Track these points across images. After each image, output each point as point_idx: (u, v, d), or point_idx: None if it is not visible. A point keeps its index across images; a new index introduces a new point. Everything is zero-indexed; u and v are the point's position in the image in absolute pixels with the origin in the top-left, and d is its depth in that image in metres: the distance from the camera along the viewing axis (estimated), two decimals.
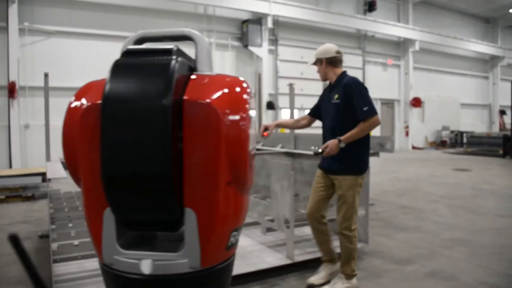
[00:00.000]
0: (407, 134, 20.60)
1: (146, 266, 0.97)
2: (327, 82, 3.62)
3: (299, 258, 3.91)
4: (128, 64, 1.00)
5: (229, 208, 1.01)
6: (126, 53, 1.04)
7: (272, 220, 4.26)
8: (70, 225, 3.90)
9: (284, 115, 16.44)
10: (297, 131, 7.12)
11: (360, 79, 3.65)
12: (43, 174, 7.93)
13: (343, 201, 3.32)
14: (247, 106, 1.02)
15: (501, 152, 16.43)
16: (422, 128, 21.83)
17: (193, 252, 0.96)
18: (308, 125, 3.83)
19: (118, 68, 0.99)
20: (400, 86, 20.76)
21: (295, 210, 4.39)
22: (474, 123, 24.40)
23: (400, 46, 20.73)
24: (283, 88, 16.22)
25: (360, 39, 19.10)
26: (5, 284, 3.64)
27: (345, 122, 3.23)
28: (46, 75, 5.07)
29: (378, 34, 19.14)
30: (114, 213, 0.99)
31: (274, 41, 16.77)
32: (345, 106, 3.25)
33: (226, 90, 1.01)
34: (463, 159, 15.78)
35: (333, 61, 3.46)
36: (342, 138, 3.15)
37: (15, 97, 11.28)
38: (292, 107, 7.16)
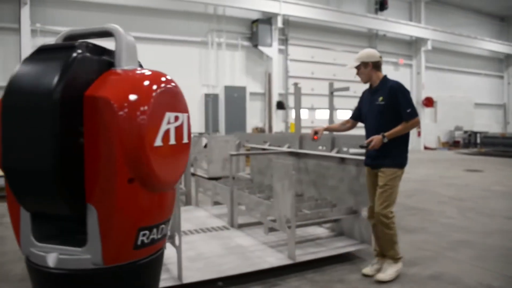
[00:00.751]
0: (419, 134, 20.38)
1: (51, 260, 0.95)
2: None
3: (301, 258, 3.88)
4: (33, 60, 1.00)
5: (132, 206, 0.96)
6: (38, 50, 1.04)
7: (274, 220, 4.24)
8: None
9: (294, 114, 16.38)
10: (303, 131, 7.09)
11: None
12: None
13: (383, 190, 3.59)
14: (151, 99, 0.98)
15: None
16: (435, 128, 21.61)
17: (95, 248, 0.92)
18: (352, 127, 4.15)
19: (23, 64, 0.99)
20: (412, 85, 20.56)
21: (298, 210, 4.38)
22: (488, 123, 24.04)
23: (412, 45, 20.53)
24: (293, 88, 16.09)
25: (371, 38, 18.96)
26: (9, 281, 3.69)
27: (388, 122, 3.55)
28: None
29: (389, 33, 18.99)
30: (21, 205, 0.98)
31: (284, 41, 16.73)
32: (389, 107, 3.57)
33: (131, 85, 0.98)
34: (476, 159, 15.55)
35: (378, 65, 3.75)
36: (386, 134, 3.50)
37: None
38: (298, 107, 7.12)
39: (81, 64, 0.96)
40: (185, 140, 1.11)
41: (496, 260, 4.20)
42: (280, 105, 16.40)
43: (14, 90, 0.93)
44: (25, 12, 11.57)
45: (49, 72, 0.91)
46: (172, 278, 3.42)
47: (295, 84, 5.82)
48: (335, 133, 6.75)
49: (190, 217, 5.69)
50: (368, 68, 3.70)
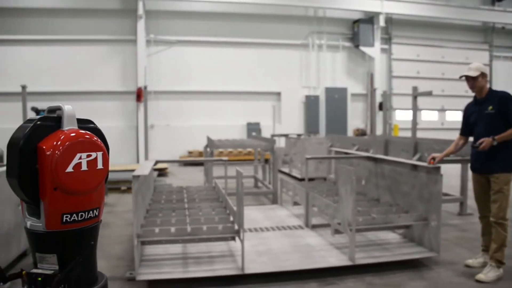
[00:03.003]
0: None
1: (28, 224, 1.73)
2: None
3: (361, 261, 3.99)
4: (26, 122, 1.73)
5: (57, 201, 1.67)
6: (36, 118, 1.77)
7: (340, 223, 4.40)
8: (160, 214, 4.53)
9: (399, 116, 15.69)
10: (404, 134, 7.04)
11: None
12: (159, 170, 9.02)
13: (500, 195, 3.86)
14: (64, 145, 1.64)
15: None
16: None
17: (43, 221, 1.68)
18: (466, 143, 4.39)
19: (23, 124, 1.74)
20: None
21: (368, 214, 4.47)
22: None
23: None
24: (397, 88, 15.64)
25: (487, 32, 17.45)
26: (109, 258, 4.41)
27: (497, 128, 3.87)
28: (145, 88, 5.86)
29: (509, 25, 17.27)
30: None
31: (387, 40, 16.26)
32: (498, 115, 3.90)
33: (58, 139, 1.66)
34: None
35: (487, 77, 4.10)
36: (496, 137, 3.79)
37: (142, 101, 12.88)
38: (389, 109, 7.08)
39: (38, 128, 1.68)
40: (100, 167, 1.76)
41: None
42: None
43: (11, 137, 1.73)
44: (141, 25, 13.06)
45: (22, 132, 1.67)
46: (237, 268, 3.82)
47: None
48: (418, 136, 6.61)
49: (272, 215, 6.06)
50: (484, 79, 4.00)
